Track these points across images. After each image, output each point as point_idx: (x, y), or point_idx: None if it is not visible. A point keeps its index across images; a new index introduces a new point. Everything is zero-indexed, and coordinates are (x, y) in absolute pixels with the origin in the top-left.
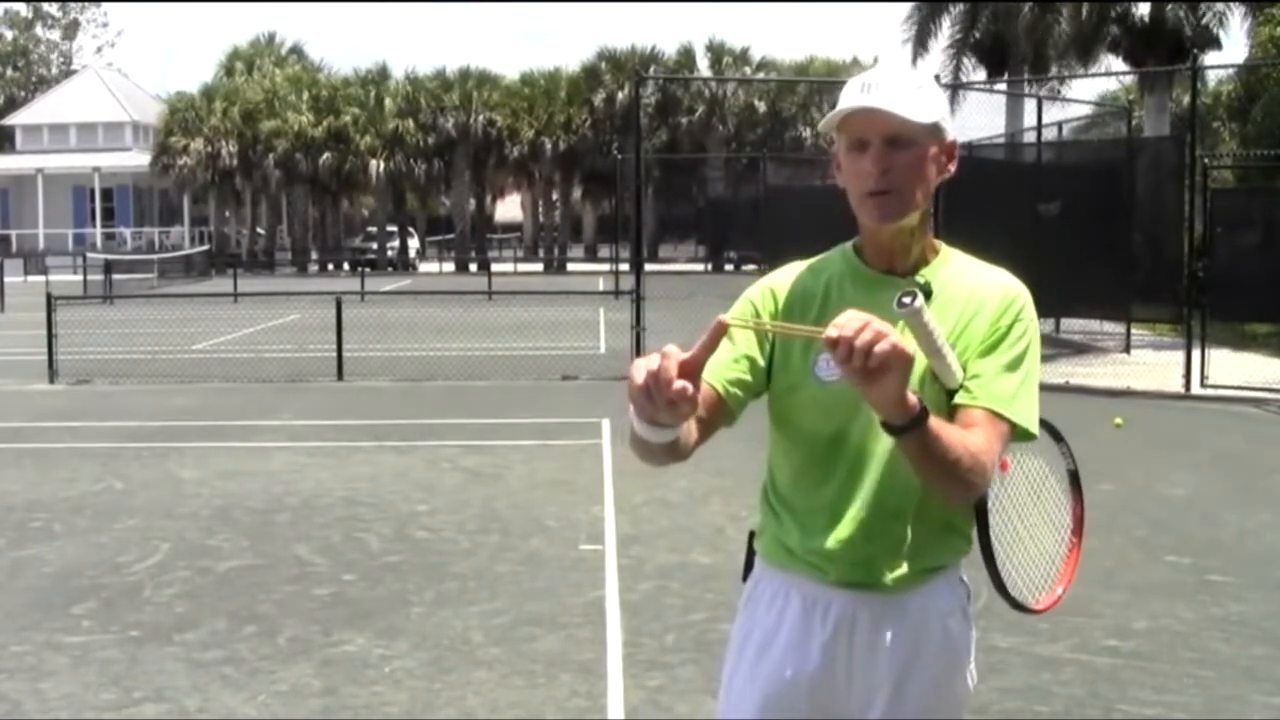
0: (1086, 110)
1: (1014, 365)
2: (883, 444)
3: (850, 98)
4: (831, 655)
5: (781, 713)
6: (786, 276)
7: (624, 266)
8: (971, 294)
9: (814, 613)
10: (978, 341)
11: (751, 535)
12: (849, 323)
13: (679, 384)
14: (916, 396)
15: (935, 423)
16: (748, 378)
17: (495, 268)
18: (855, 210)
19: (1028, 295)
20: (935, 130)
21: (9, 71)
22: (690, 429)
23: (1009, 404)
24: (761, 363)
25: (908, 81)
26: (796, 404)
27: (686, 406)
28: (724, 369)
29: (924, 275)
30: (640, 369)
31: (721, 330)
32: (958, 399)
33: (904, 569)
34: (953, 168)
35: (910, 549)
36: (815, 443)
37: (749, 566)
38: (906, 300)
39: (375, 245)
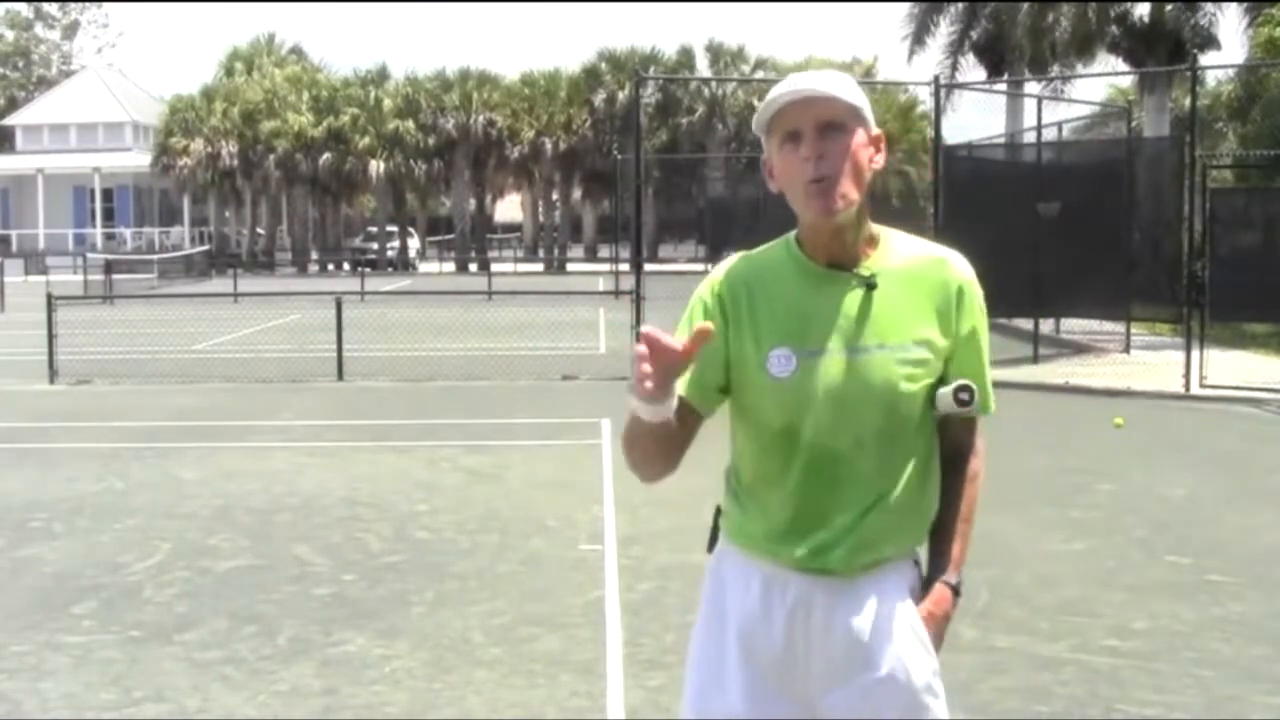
0: (1086, 110)
1: (986, 359)
2: (839, 439)
3: (778, 95)
4: (790, 636)
5: (755, 690)
6: (734, 271)
7: (624, 266)
8: (921, 278)
9: (773, 594)
10: (942, 337)
11: (718, 511)
12: None
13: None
14: (949, 587)
15: (958, 548)
16: (721, 378)
17: (495, 268)
18: (799, 207)
19: (971, 269)
20: (862, 115)
21: (9, 72)
22: (679, 430)
23: (991, 402)
24: (724, 359)
25: (830, 73)
26: (750, 398)
27: (682, 365)
28: (703, 377)
29: (867, 268)
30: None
31: (705, 335)
32: (937, 409)
33: (860, 557)
34: (880, 160)
35: (867, 538)
36: (769, 435)
37: (714, 540)
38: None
39: (375, 245)
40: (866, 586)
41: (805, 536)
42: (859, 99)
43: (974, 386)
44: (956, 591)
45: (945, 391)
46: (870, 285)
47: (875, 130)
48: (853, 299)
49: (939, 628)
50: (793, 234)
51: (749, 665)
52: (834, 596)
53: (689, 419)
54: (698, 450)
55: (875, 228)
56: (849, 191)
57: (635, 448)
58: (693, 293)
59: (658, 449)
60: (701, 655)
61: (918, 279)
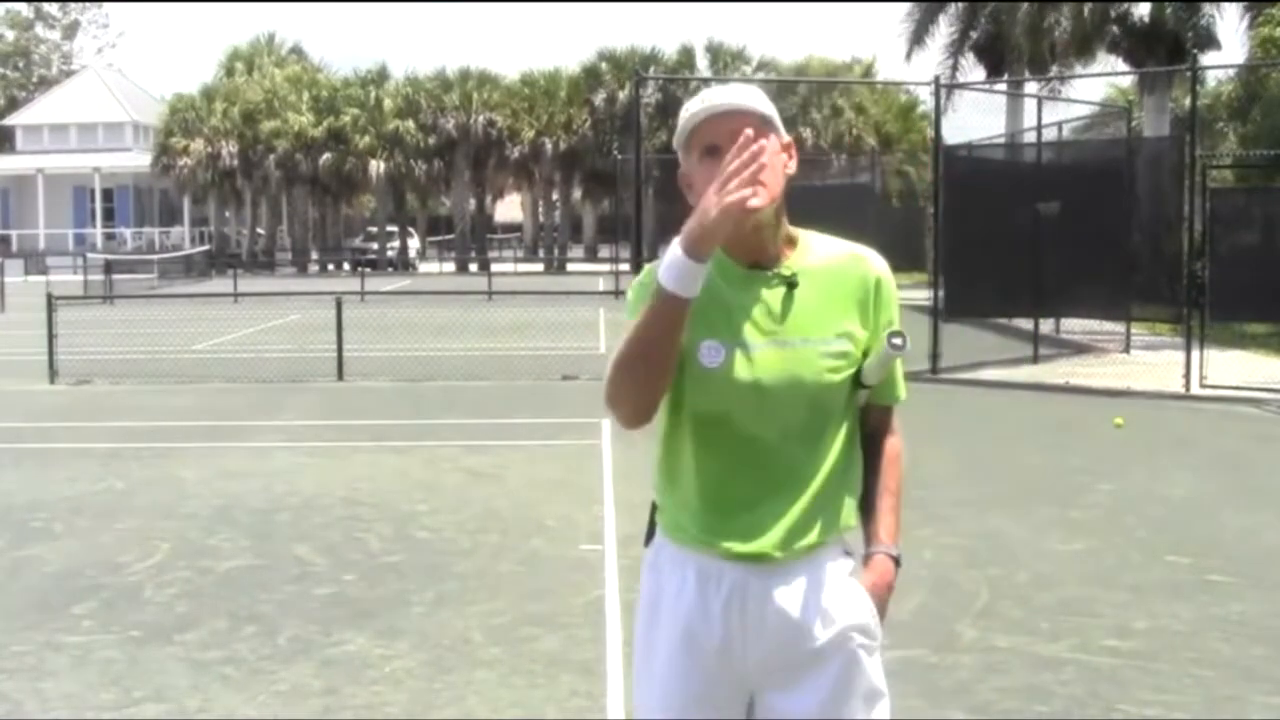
0: (1086, 110)
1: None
2: (766, 429)
3: (695, 112)
4: (727, 625)
5: (692, 679)
6: None
7: (624, 266)
8: (840, 274)
9: (709, 585)
10: (861, 328)
11: (654, 507)
12: None
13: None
14: (890, 558)
15: (891, 519)
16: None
17: (495, 268)
18: None
19: (886, 264)
20: (774, 124)
21: (9, 72)
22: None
23: (903, 390)
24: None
25: (740, 87)
26: (683, 385)
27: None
28: None
29: (788, 267)
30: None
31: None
32: (875, 399)
33: (791, 542)
34: (793, 166)
35: (797, 524)
36: (701, 424)
37: (651, 533)
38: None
39: (375, 245)
40: (799, 571)
41: (737, 526)
42: (770, 109)
43: (790, 279)
44: (897, 562)
45: (876, 354)
46: (791, 283)
47: (786, 138)
48: (776, 296)
49: (883, 598)
50: None
51: (688, 657)
52: (768, 583)
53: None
54: None
55: (793, 230)
56: (769, 190)
57: (633, 358)
58: (633, 286)
59: (654, 368)
60: (640, 649)
61: (837, 275)
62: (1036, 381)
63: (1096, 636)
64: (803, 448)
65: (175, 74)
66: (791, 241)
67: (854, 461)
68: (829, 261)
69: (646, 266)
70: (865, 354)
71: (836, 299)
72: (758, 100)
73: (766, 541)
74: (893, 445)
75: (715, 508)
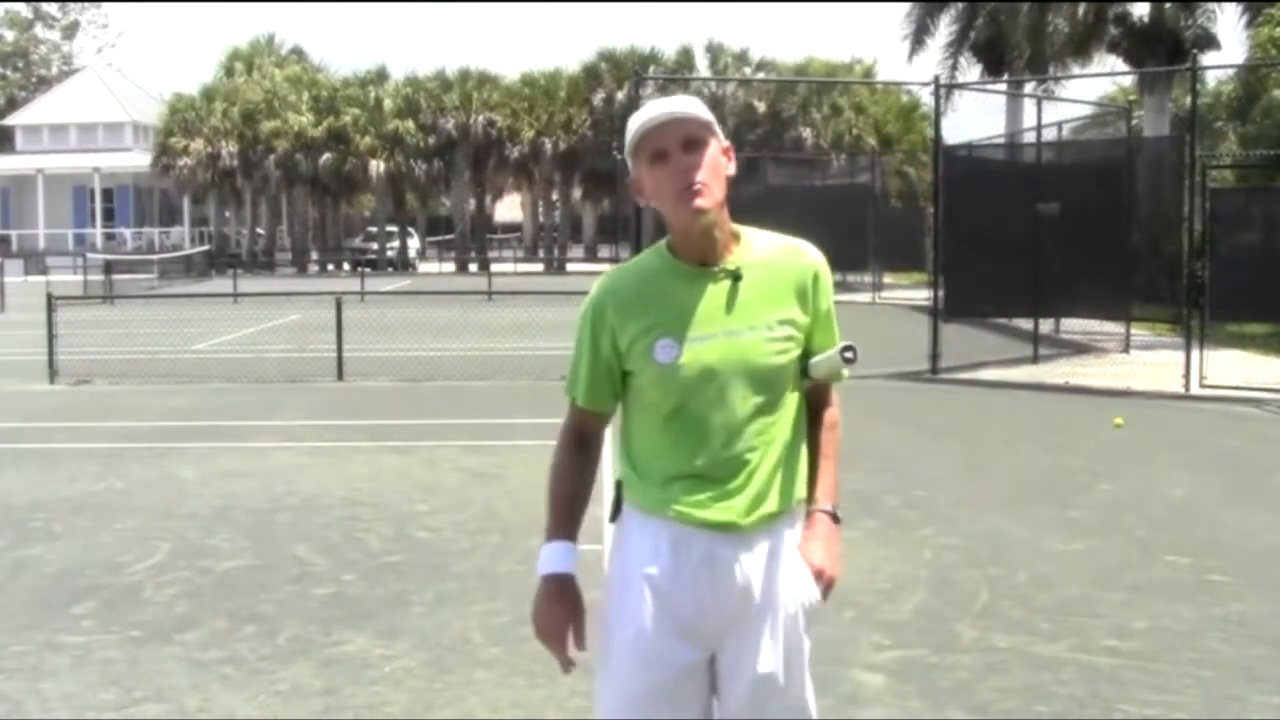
0: (1087, 110)
1: (838, 333)
2: (724, 412)
3: (642, 122)
4: (699, 589)
5: (668, 640)
6: (610, 285)
7: None
8: (780, 266)
9: (680, 552)
10: (803, 314)
11: (619, 484)
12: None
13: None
14: (827, 513)
15: (829, 480)
16: (619, 384)
17: (495, 268)
18: (670, 213)
19: (821, 254)
20: (714, 129)
21: (9, 72)
22: (597, 437)
23: (845, 372)
24: (618, 368)
25: (682, 97)
26: (641, 385)
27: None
28: (601, 389)
29: (732, 263)
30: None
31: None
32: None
33: (755, 510)
34: (732, 168)
35: (759, 492)
36: (660, 416)
37: (617, 509)
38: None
39: (375, 245)
40: (761, 538)
41: (705, 498)
42: (709, 116)
43: (735, 274)
44: (835, 517)
45: (827, 356)
46: (736, 277)
47: (725, 142)
48: (722, 290)
49: (829, 547)
50: (663, 242)
51: (660, 621)
52: (735, 550)
53: (599, 422)
54: None
55: (736, 226)
56: (715, 193)
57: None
58: (580, 311)
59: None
60: (612, 614)
61: (777, 267)
62: (1036, 381)
63: (1096, 636)
64: (758, 425)
65: (175, 74)
66: (735, 238)
67: (802, 434)
68: (770, 255)
69: (598, 285)
70: (808, 337)
71: (778, 288)
72: (697, 108)
73: (733, 511)
74: (831, 414)
75: (684, 484)
